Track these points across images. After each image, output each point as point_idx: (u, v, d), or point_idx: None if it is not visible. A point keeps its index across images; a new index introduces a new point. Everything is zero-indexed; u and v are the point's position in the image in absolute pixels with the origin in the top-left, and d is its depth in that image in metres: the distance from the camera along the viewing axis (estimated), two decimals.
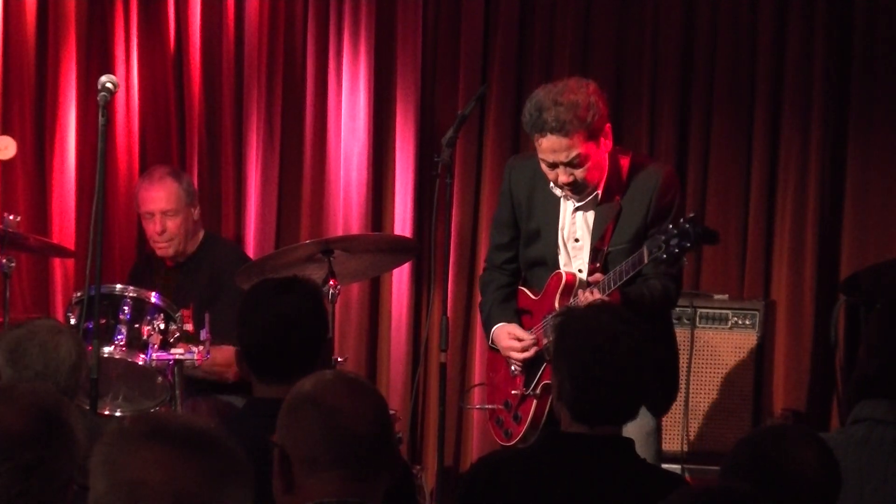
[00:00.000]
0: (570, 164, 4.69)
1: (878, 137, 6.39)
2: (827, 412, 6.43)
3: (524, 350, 4.87)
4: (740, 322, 6.16)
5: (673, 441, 6.08)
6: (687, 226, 4.40)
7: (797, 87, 6.43)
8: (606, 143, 4.75)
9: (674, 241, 4.41)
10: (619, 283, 4.59)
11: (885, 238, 6.36)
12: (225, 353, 5.57)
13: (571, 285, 4.74)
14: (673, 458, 5.95)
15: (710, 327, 6.16)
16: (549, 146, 4.71)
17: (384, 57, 6.81)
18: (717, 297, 6.26)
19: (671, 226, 4.44)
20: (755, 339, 6.15)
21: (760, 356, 6.15)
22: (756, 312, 6.17)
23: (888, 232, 6.37)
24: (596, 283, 4.65)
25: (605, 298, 4.60)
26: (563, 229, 4.85)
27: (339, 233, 6.67)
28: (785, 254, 6.45)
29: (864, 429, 3.46)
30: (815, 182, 6.41)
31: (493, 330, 4.99)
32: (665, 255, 4.42)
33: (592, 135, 4.69)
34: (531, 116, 4.72)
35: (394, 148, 6.80)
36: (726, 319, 6.17)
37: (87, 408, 4.78)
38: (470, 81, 6.69)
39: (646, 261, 4.49)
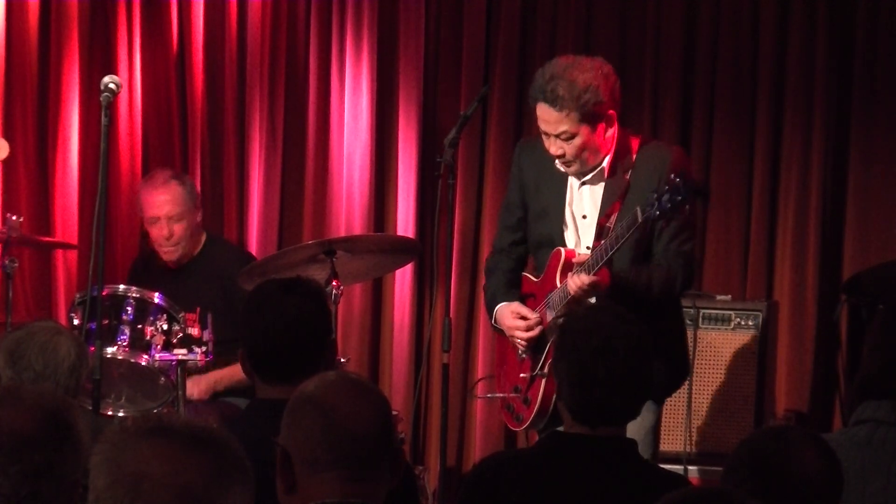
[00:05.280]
0: (559, 138, 4.72)
1: (879, 137, 6.39)
2: (829, 413, 6.43)
3: (529, 329, 4.87)
4: (743, 323, 6.15)
5: (675, 442, 6.08)
6: (678, 180, 4.40)
7: (799, 87, 6.43)
8: (608, 130, 4.75)
9: (665, 198, 4.39)
10: (608, 255, 4.57)
11: (887, 238, 6.36)
12: None
13: (571, 262, 4.74)
14: (675, 459, 5.95)
15: (713, 328, 6.16)
16: (541, 114, 4.76)
17: (386, 57, 6.81)
18: (719, 297, 6.26)
19: (663, 183, 4.45)
20: (757, 340, 6.14)
21: (763, 357, 6.14)
22: (758, 313, 6.17)
23: (890, 232, 6.37)
24: (582, 263, 4.65)
25: (593, 277, 4.59)
26: (570, 205, 4.86)
27: (342, 233, 6.67)
28: (787, 254, 6.45)
29: (867, 430, 3.45)
30: (818, 182, 6.41)
31: (496, 309, 4.99)
32: (658, 212, 4.42)
33: (586, 118, 4.69)
34: (535, 80, 4.78)
35: (396, 148, 6.80)
36: (728, 320, 6.16)
37: (90, 408, 4.78)
38: (472, 82, 6.70)
39: (640, 220, 4.47)
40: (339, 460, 2.61)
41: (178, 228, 6.00)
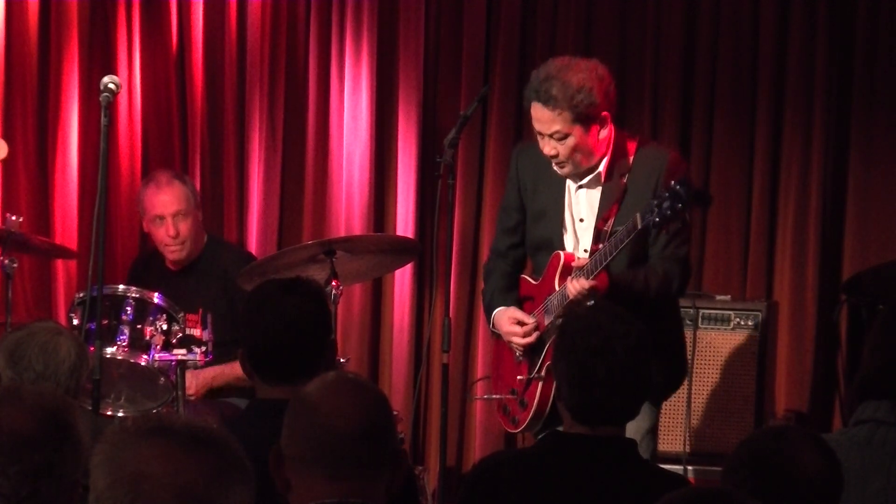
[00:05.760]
0: (552, 138, 4.73)
1: (879, 137, 6.39)
2: (829, 413, 6.44)
3: (526, 334, 4.88)
4: (742, 323, 6.15)
5: (675, 442, 6.08)
6: (679, 188, 4.40)
7: (799, 87, 6.43)
8: (601, 131, 4.75)
9: (666, 205, 4.40)
10: (608, 260, 4.58)
11: (887, 238, 6.36)
12: None
13: (570, 266, 4.74)
14: (675, 459, 5.95)
15: (712, 328, 6.16)
16: (535, 114, 4.78)
17: (386, 57, 6.81)
18: (719, 297, 6.26)
19: (664, 190, 4.45)
20: (757, 340, 6.14)
21: (762, 357, 6.14)
22: (758, 313, 6.17)
23: (890, 232, 6.37)
24: (582, 268, 4.65)
25: (592, 282, 4.59)
26: (569, 208, 4.86)
27: (342, 233, 6.67)
28: (787, 254, 6.45)
29: (867, 430, 3.45)
30: (817, 183, 6.41)
31: (493, 314, 4.99)
32: (658, 219, 4.42)
33: (579, 119, 4.70)
34: (531, 80, 4.80)
35: (396, 148, 6.80)
36: (728, 320, 6.16)
37: (90, 408, 4.78)
38: (472, 82, 6.70)
39: (639, 226, 4.47)
40: (322, 458, 2.61)
41: (184, 227, 6.00)
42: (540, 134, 4.78)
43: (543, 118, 4.74)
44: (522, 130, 6.57)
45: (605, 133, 4.77)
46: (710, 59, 6.54)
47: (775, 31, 6.46)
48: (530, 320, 4.88)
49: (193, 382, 5.81)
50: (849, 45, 6.42)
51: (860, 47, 6.41)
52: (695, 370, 6.01)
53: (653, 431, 4.89)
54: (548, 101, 4.70)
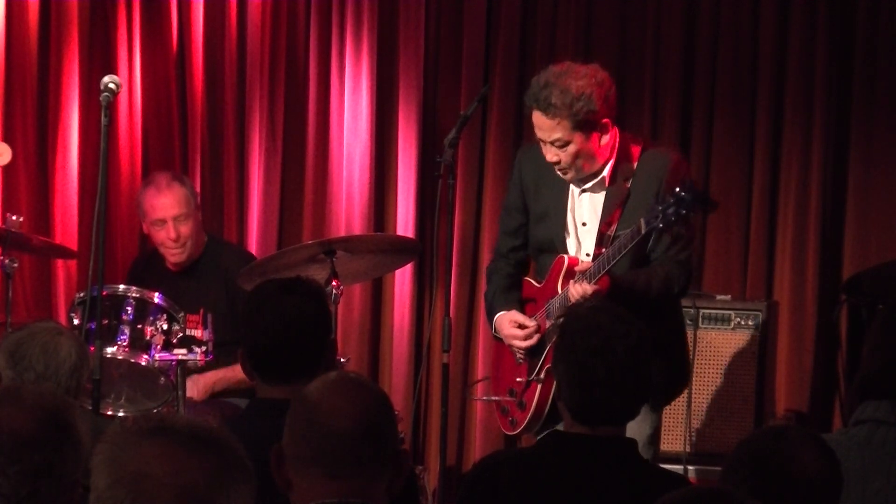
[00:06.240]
0: (553, 145, 4.73)
1: (879, 137, 6.40)
2: (829, 413, 6.44)
3: (527, 337, 4.88)
4: (742, 323, 6.16)
5: (675, 441, 6.08)
6: (683, 193, 4.41)
7: (799, 87, 6.44)
8: (602, 137, 4.75)
9: (671, 210, 4.40)
10: (611, 264, 4.58)
11: (887, 238, 6.37)
12: None
13: (573, 269, 4.75)
14: (675, 459, 5.95)
15: (713, 328, 6.16)
16: (535, 121, 4.78)
17: (386, 57, 6.82)
18: (719, 297, 6.27)
19: (668, 195, 4.45)
20: (757, 340, 6.15)
21: (763, 357, 6.15)
22: (758, 313, 6.17)
23: (890, 232, 6.37)
24: (584, 272, 4.65)
25: (595, 286, 4.59)
26: (571, 211, 4.86)
27: (342, 233, 6.67)
28: (787, 254, 6.45)
29: (867, 430, 3.45)
30: (818, 182, 6.41)
31: (495, 318, 5.00)
32: (662, 225, 4.42)
33: (579, 126, 4.70)
34: (531, 87, 4.80)
35: (396, 148, 6.81)
36: (728, 320, 6.17)
37: (90, 408, 4.78)
38: (472, 82, 6.70)
39: (643, 231, 4.48)
40: (322, 457, 2.62)
41: (185, 229, 5.99)
42: (542, 141, 4.79)
43: (544, 126, 4.75)
44: (522, 130, 6.58)
45: (607, 139, 4.77)
46: (710, 59, 6.54)
47: (775, 31, 6.46)
48: (531, 323, 4.88)
49: (194, 390, 5.81)
50: (849, 45, 6.43)
51: (860, 47, 6.41)
52: (695, 370, 6.01)
53: (653, 440, 4.89)
54: (547, 109, 4.70)
